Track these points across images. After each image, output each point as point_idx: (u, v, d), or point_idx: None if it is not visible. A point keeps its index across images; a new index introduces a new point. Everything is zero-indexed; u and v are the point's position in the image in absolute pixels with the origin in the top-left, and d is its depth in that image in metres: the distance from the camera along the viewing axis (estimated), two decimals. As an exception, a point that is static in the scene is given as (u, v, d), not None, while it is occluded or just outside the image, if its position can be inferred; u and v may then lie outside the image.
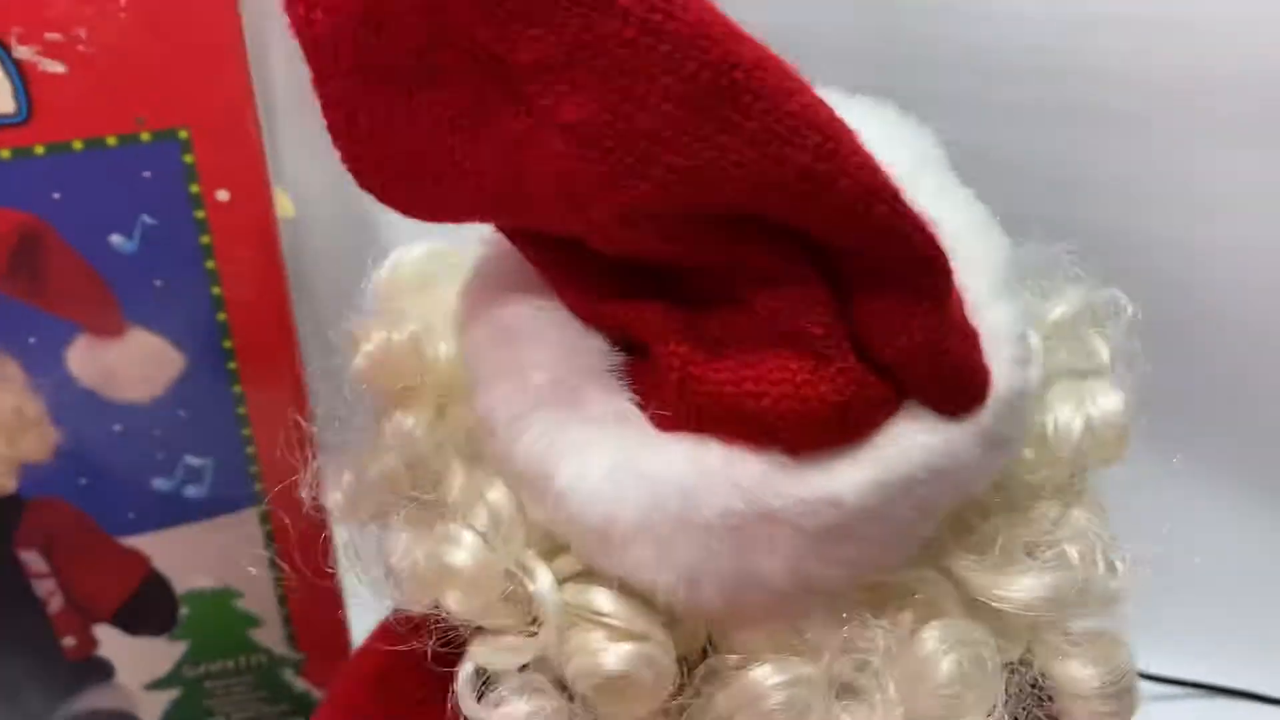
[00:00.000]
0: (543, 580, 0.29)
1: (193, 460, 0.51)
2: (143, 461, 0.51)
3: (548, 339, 0.30)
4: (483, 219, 0.30)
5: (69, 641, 0.54)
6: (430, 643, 0.31)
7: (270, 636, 0.57)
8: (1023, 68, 0.55)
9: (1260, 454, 0.62)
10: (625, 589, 0.29)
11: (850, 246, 0.27)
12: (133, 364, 0.48)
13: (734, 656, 0.30)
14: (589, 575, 0.30)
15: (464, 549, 0.30)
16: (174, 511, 0.52)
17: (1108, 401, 0.33)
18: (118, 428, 0.50)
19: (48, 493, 0.50)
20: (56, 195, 0.44)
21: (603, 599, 0.29)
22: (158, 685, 0.57)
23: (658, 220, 0.26)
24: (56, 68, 0.42)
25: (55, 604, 0.53)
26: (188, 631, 0.55)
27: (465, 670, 0.31)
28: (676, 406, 0.28)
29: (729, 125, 0.24)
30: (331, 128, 0.27)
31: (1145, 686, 0.60)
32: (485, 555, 0.30)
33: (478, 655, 0.30)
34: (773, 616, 0.30)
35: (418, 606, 0.31)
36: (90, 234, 0.45)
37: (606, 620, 0.29)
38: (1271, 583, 0.62)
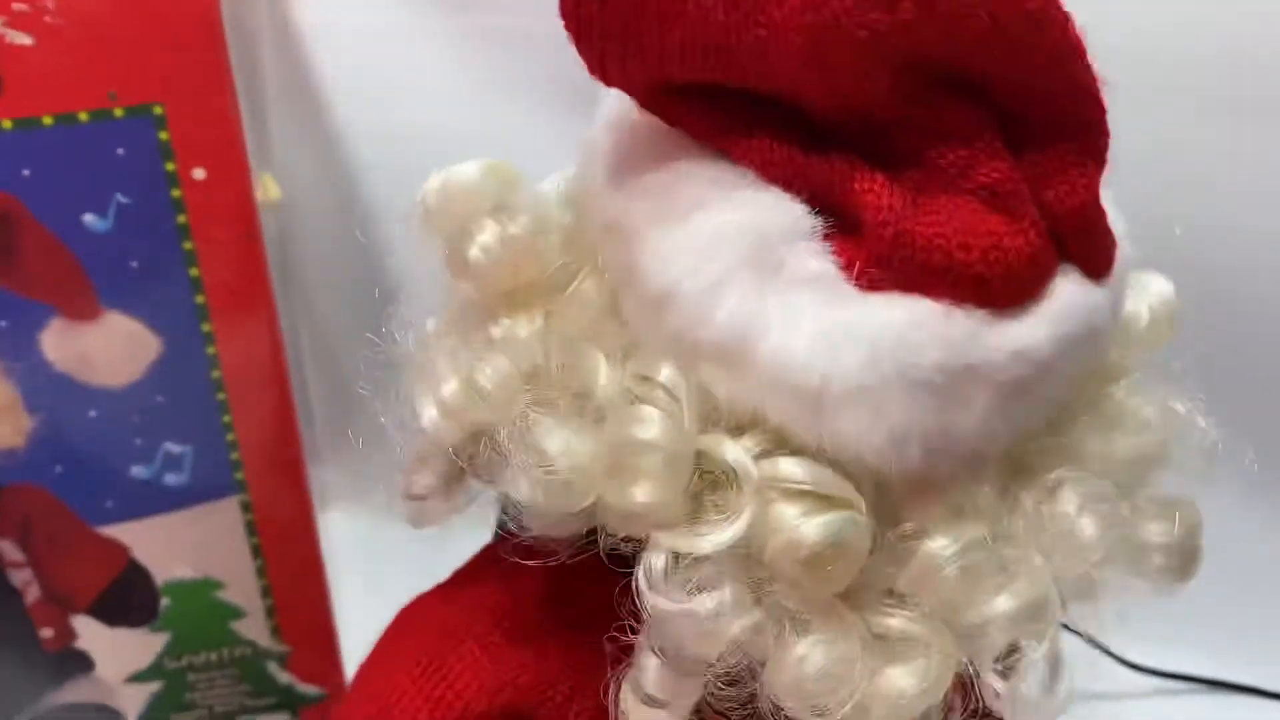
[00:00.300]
0: (737, 454, 0.28)
1: (172, 447, 0.50)
2: (121, 448, 0.50)
3: (736, 204, 0.29)
4: (689, 72, 0.29)
5: (47, 633, 0.53)
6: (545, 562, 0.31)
7: (254, 628, 0.56)
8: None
9: (1262, 445, 0.61)
10: (819, 458, 0.29)
11: (1040, 101, 0.28)
12: (109, 348, 0.47)
13: (909, 525, 0.30)
14: (776, 450, 0.29)
15: (654, 424, 0.28)
16: (153, 500, 0.51)
17: (1160, 287, 0.35)
18: (94, 413, 0.48)
19: (22, 480, 0.49)
20: (26, 172, 0.43)
21: (799, 468, 0.29)
22: (139, 678, 0.56)
23: (881, 59, 0.27)
24: (24, 40, 0.41)
25: (32, 594, 0.52)
26: (169, 623, 0.54)
27: (655, 562, 0.29)
28: (887, 264, 0.28)
29: None
30: None
31: (1148, 682, 0.60)
32: (676, 431, 0.28)
33: (669, 543, 0.29)
34: (953, 480, 0.30)
35: (567, 511, 0.29)
36: (63, 213, 0.44)
37: (807, 488, 0.28)
38: (1274, 577, 0.61)
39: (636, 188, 0.30)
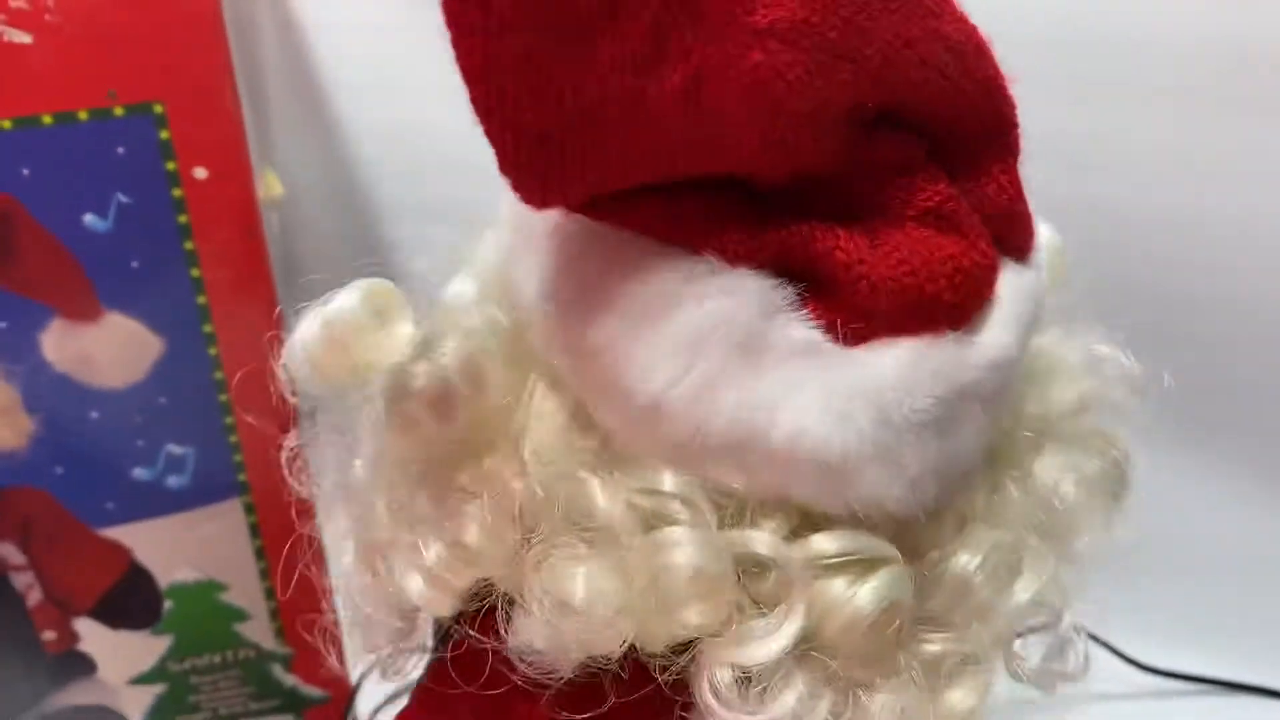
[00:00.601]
0: (772, 545, 0.28)
1: (174, 449, 0.50)
2: (122, 450, 0.49)
3: (708, 294, 0.27)
4: (639, 177, 0.27)
5: (49, 635, 0.53)
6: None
7: (258, 630, 0.55)
8: (1033, 38, 0.53)
9: (1269, 444, 0.61)
10: (846, 523, 0.28)
11: (962, 116, 0.28)
12: (109, 349, 0.47)
13: (934, 553, 0.30)
14: (802, 527, 0.28)
15: (687, 545, 0.27)
16: (155, 502, 0.50)
17: (1044, 231, 0.34)
18: (95, 415, 0.48)
19: (23, 482, 0.49)
20: (26, 172, 0.43)
21: (833, 542, 0.28)
22: (142, 680, 0.55)
23: (833, 123, 0.27)
24: (22, 38, 0.40)
25: (34, 597, 0.52)
26: (172, 625, 0.54)
27: (720, 678, 0.27)
28: (867, 315, 0.28)
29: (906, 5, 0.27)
30: (480, 101, 0.23)
31: (1150, 681, 0.59)
32: (709, 543, 0.27)
33: (729, 656, 0.27)
34: (955, 494, 0.30)
35: (605, 652, 0.27)
36: (63, 213, 0.44)
37: (847, 559, 0.28)
38: (1275, 578, 0.61)
39: (594, 302, 0.28)
